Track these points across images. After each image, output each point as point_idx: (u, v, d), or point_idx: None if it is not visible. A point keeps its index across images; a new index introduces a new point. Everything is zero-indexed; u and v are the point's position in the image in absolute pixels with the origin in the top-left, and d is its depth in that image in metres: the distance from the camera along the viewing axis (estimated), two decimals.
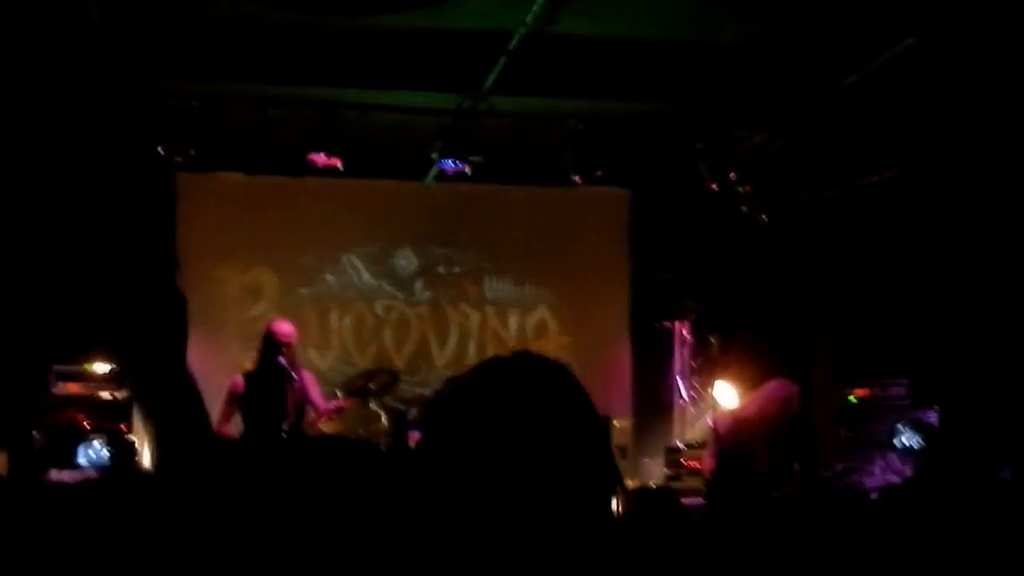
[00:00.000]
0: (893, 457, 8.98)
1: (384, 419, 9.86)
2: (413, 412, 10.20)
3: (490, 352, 11.23)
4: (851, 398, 9.93)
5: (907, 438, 9.26)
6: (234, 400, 8.71)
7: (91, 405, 9.73)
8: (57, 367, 9.93)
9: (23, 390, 9.64)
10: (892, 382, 9.88)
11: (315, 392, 8.89)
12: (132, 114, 9.83)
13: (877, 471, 8.67)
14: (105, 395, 9.95)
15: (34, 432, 9.23)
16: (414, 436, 8.62)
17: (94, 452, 9.09)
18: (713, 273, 11.34)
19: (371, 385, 9.99)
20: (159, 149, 10.35)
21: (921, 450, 9.03)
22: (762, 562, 3.07)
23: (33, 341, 9.96)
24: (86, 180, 10.15)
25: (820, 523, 4.47)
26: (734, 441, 8.04)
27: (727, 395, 9.88)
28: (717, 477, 7.74)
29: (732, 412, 8.59)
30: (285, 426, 8.57)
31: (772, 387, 8.11)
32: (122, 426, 9.86)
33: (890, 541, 4.33)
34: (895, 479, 8.44)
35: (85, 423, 9.55)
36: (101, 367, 10.12)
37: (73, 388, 9.87)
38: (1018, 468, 5.92)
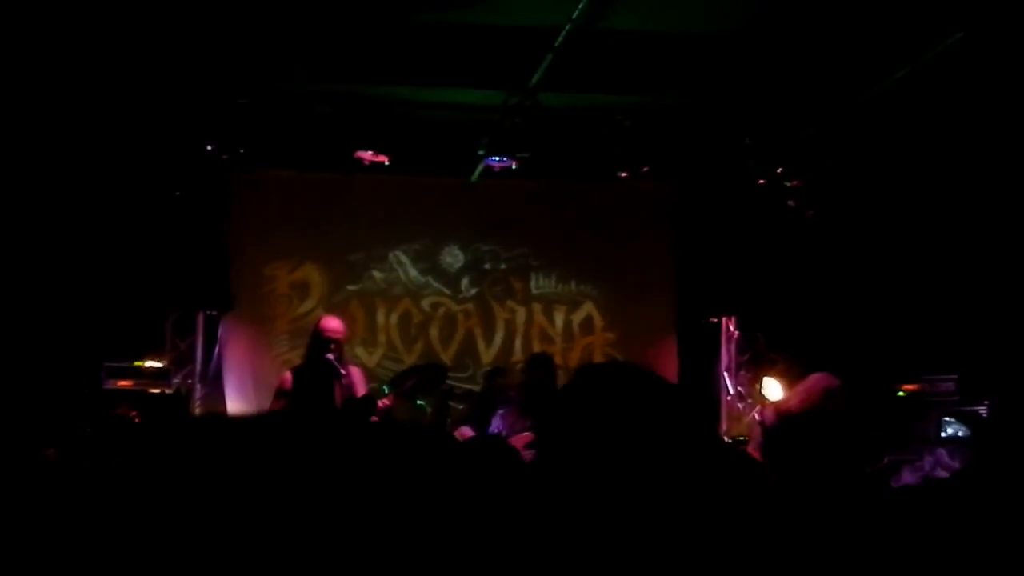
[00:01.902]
0: (942, 452, 8.91)
1: (429, 411, 9.90)
2: (460, 406, 10.26)
3: (536, 348, 11.25)
4: (900, 393, 9.87)
5: (954, 428, 9.20)
6: (282, 395, 8.76)
7: (142, 401, 9.83)
8: (108, 363, 10.03)
9: (74, 386, 9.74)
10: (941, 378, 9.81)
11: (363, 388, 8.93)
12: (183, 112, 9.91)
13: (926, 466, 8.61)
14: (155, 391, 10.05)
15: (85, 427, 9.32)
16: (464, 432, 8.63)
17: None
18: (760, 268, 11.29)
19: (418, 381, 10.02)
20: (208, 147, 10.43)
21: (969, 441, 8.96)
22: (805, 556, 3.06)
23: (84, 338, 10.07)
24: (139, 178, 10.27)
25: (859, 517, 4.46)
26: (778, 434, 8.00)
27: (774, 390, 9.85)
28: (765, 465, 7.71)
29: (775, 405, 8.56)
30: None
31: (813, 380, 8.06)
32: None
33: (933, 535, 4.32)
34: (944, 474, 8.38)
35: (136, 419, 9.63)
36: (152, 363, 10.23)
37: (124, 384, 9.97)
38: None
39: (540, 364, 9.63)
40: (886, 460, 8.21)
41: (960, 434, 9.13)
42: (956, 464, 8.64)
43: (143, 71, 9.10)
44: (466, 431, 8.74)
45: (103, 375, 9.93)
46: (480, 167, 10.84)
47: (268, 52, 8.84)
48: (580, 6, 7.51)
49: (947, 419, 9.27)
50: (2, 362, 9.48)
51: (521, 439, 7.89)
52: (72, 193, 10.16)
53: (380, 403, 8.94)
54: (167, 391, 10.10)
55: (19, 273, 9.95)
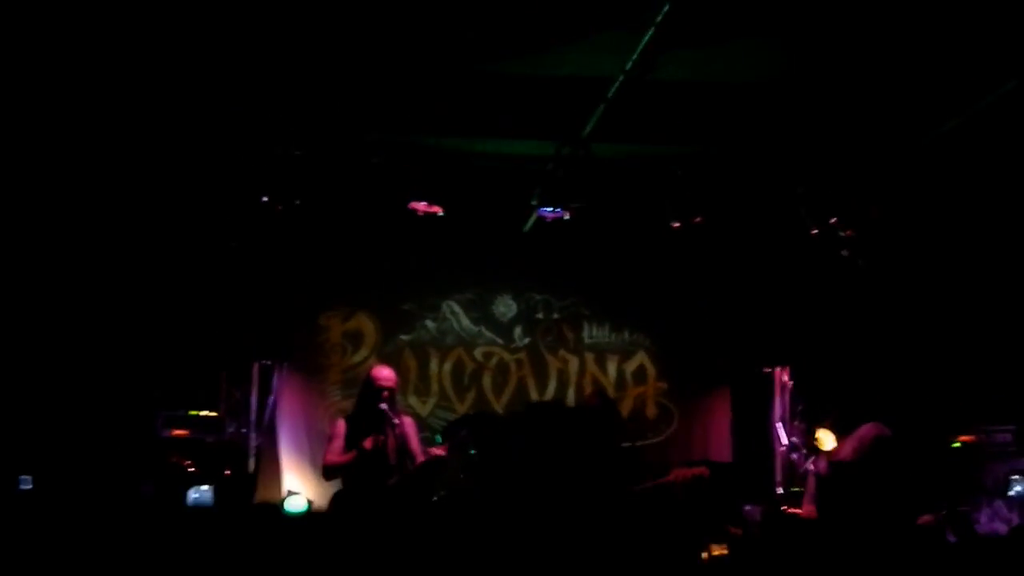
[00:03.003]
0: (1000, 504, 8.82)
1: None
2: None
3: None
4: (955, 444, 9.77)
5: (1022, 487, 9.10)
6: (335, 441, 8.77)
7: (196, 449, 9.89)
8: (164, 412, 10.11)
9: (131, 436, 9.82)
10: (998, 428, 9.71)
11: (415, 438, 8.93)
12: (238, 164, 10.03)
13: (983, 518, 8.52)
14: (210, 439, 10.10)
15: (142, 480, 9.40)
16: None
17: (200, 494, 9.23)
18: (815, 318, 11.23)
19: (471, 431, 10.01)
20: (263, 198, 10.53)
21: None
22: None
23: (142, 387, 10.16)
24: (196, 229, 10.39)
25: (920, 569, 4.43)
26: (831, 484, 7.95)
27: (828, 441, 9.76)
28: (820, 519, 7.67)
29: (828, 456, 8.49)
30: (388, 470, 8.61)
31: (865, 430, 8.01)
32: (226, 471, 10.01)
33: None
34: (1002, 527, 8.29)
35: (191, 467, 9.70)
36: (206, 412, 10.30)
37: (179, 433, 10.03)
38: None
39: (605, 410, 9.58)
40: (944, 512, 8.13)
41: None
42: (1015, 516, 8.54)
43: (201, 124, 9.23)
44: None
45: (159, 424, 10.00)
46: (533, 217, 10.86)
47: (323, 104, 8.93)
48: (632, 57, 7.55)
49: (1015, 477, 9.17)
50: (63, 408, 9.59)
51: None
52: (130, 244, 10.29)
53: (433, 453, 8.93)
54: (221, 440, 10.16)
55: (79, 322, 10.08)
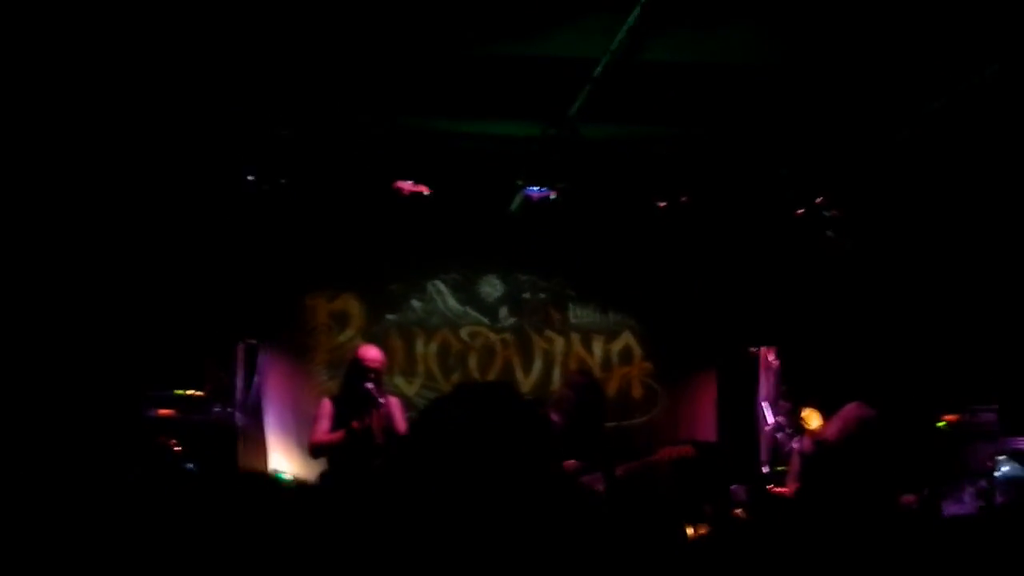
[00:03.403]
0: (984, 485, 8.87)
1: None
2: None
3: None
4: (940, 424, 9.82)
5: (1009, 467, 9.15)
6: (322, 422, 8.79)
7: (183, 429, 9.88)
8: (150, 392, 10.10)
9: (117, 414, 9.81)
10: (982, 409, 9.75)
11: (401, 418, 8.95)
12: (225, 144, 10.01)
13: (967, 499, 8.57)
14: (196, 419, 10.10)
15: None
16: None
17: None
18: (800, 298, 11.26)
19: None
20: (249, 177, 10.52)
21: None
22: None
23: (127, 366, 10.15)
24: (181, 209, 10.37)
25: (903, 548, 4.45)
26: (816, 463, 7.99)
27: (813, 420, 9.80)
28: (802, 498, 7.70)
29: (812, 436, 8.53)
30: (374, 451, 8.63)
31: (849, 409, 8.06)
32: (211, 451, 10.02)
33: (976, 567, 4.30)
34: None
35: (176, 447, 9.69)
36: (192, 392, 10.29)
37: (165, 413, 10.03)
38: None
39: (591, 389, 9.59)
40: (926, 491, 8.17)
41: (1015, 472, 9.08)
42: (999, 498, 8.59)
43: (187, 104, 9.20)
44: None
45: (145, 403, 10.00)
46: (519, 198, 10.87)
47: (309, 84, 8.92)
48: (618, 38, 7.55)
49: (1000, 457, 9.21)
50: (48, 388, 9.57)
51: (568, 466, 7.90)
52: (116, 224, 10.27)
53: None
54: (208, 421, 10.16)
55: (64, 301, 10.06)
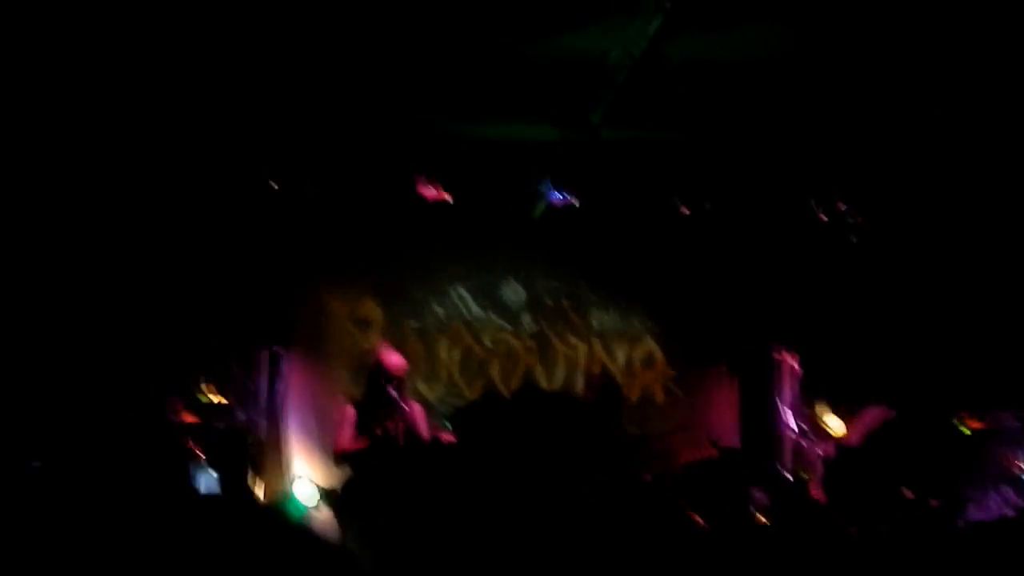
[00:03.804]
0: (1009, 490, 8.82)
1: None
2: None
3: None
4: (964, 429, 9.77)
5: None
6: (345, 429, 8.80)
7: (206, 435, 9.90)
8: (173, 398, 10.12)
9: (140, 420, 9.84)
10: (1007, 413, 9.70)
11: (423, 425, 8.95)
12: (249, 149, 10.04)
13: (992, 504, 8.52)
14: (219, 425, 10.12)
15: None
16: None
17: (208, 481, 9.25)
18: (823, 303, 11.22)
19: (479, 417, 10.02)
20: (272, 184, 10.53)
21: None
22: None
23: (150, 371, 10.18)
24: (204, 214, 10.40)
25: (927, 553, 4.43)
26: (838, 468, 7.97)
27: (836, 426, 9.78)
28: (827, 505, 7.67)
29: (835, 441, 8.52)
30: (397, 457, 8.62)
31: (872, 414, 8.05)
32: (234, 457, 10.03)
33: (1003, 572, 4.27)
34: (1010, 512, 8.28)
35: (199, 452, 9.71)
36: (215, 398, 10.31)
37: (188, 418, 10.05)
38: None
39: (611, 393, 9.56)
40: (951, 495, 8.13)
41: None
42: (1021, 502, 8.55)
43: (208, 106, 9.23)
44: None
45: (167, 409, 10.02)
46: (542, 202, 10.86)
47: (331, 88, 8.93)
48: (641, 41, 7.54)
49: None
50: (73, 393, 9.61)
51: None
52: (140, 229, 10.30)
53: (443, 438, 8.94)
54: (231, 426, 10.18)
55: (89, 307, 10.10)
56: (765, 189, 10.91)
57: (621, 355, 12.03)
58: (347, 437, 8.73)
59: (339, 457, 8.86)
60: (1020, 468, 9.26)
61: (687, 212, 10.93)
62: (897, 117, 9.12)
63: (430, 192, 10.50)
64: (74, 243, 10.08)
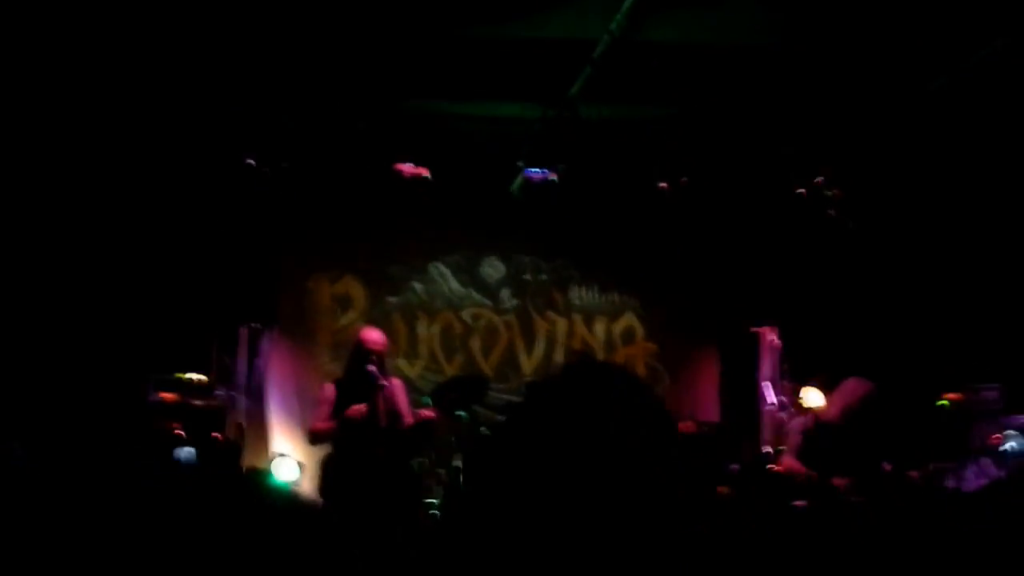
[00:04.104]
0: (987, 461, 8.88)
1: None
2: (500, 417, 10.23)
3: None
4: (943, 402, 9.83)
5: (1017, 442, 9.18)
6: (324, 407, 8.80)
7: (185, 413, 9.90)
8: (153, 376, 10.11)
9: (119, 399, 9.83)
10: (985, 387, 9.76)
11: (404, 401, 8.96)
12: (226, 128, 10.01)
13: (970, 475, 8.58)
14: (199, 403, 10.11)
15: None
16: None
17: (188, 457, 9.25)
18: (802, 277, 11.26)
19: (459, 393, 10.06)
20: (249, 161, 10.50)
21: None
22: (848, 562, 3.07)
23: (131, 350, 10.16)
24: (184, 193, 10.36)
25: (906, 524, 4.45)
26: (818, 439, 8.02)
27: (815, 399, 9.81)
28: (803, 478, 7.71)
29: (815, 414, 8.55)
30: (377, 434, 8.64)
31: (850, 385, 8.08)
32: (215, 435, 10.03)
33: (982, 542, 4.30)
34: (987, 483, 8.32)
35: (179, 431, 9.71)
36: (196, 376, 10.30)
37: (168, 396, 10.04)
38: None
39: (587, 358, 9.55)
40: (931, 467, 8.20)
41: (1019, 448, 9.11)
42: (1000, 473, 8.60)
43: (188, 89, 9.20)
44: None
45: (148, 387, 10.01)
46: (520, 179, 10.86)
47: (309, 67, 8.91)
48: (618, 18, 7.54)
49: (1010, 432, 9.23)
50: (53, 371, 9.59)
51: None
52: (118, 207, 10.27)
53: (423, 415, 8.96)
54: (211, 404, 10.18)
55: (67, 285, 10.07)
56: (744, 164, 10.92)
57: (601, 330, 12.06)
58: (323, 417, 8.74)
59: (313, 438, 8.87)
60: (998, 440, 9.33)
61: (666, 188, 10.93)
62: (876, 92, 9.13)
63: (407, 169, 10.48)
64: (53, 223, 10.03)
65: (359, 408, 8.54)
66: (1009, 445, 9.22)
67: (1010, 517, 4.32)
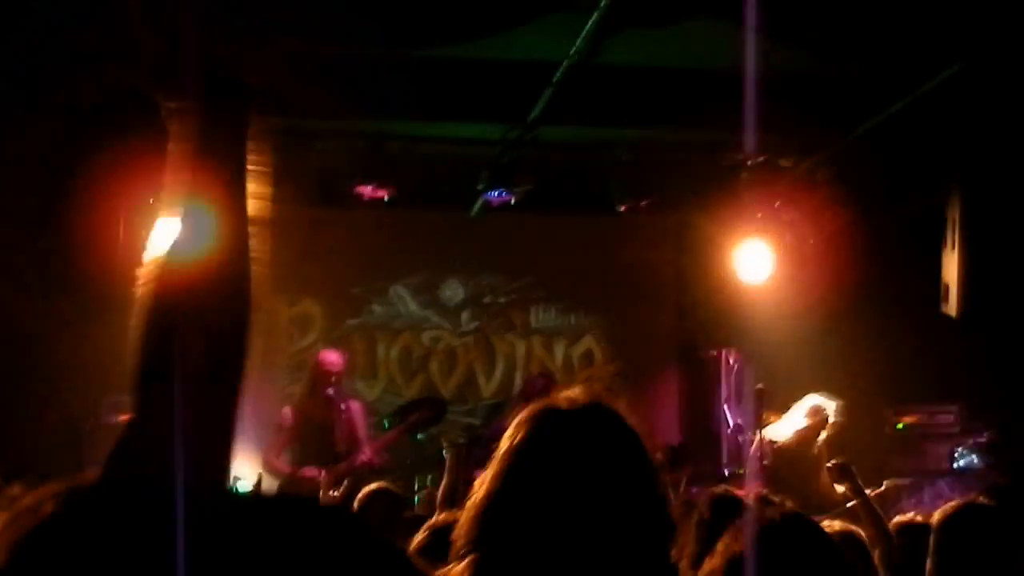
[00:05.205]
0: (942, 484, 8.93)
1: (446, 454, 9.89)
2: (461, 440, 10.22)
3: None
4: (899, 425, 9.88)
5: (966, 461, 9.25)
6: (283, 431, 8.77)
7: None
8: (108, 398, 10.02)
9: (76, 421, 9.73)
10: (941, 409, 9.81)
11: (362, 424, 8.93)
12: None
13: (926, 498, 8.62)
14: None
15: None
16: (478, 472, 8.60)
17: None
18: (760, 300, 11.29)
19: (418, 416, 10.02)
20: None
21: (979, 473, 9.00)
22: None
23: (86, 372, 10.06)
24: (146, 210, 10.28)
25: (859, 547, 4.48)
26: (778, 464, 8.04)
27: (773, 422, 9.83)
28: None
29: (772, 436, 8.59)
30: (335, 456, 8.61)
31: (807, 404, 8.14)
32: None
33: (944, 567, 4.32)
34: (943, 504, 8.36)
35: None
36: None
37: (125, 419, 9.93)
38: None
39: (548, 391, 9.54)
40: (884, 486, 8.23)
41: (972, 465, 9.17)
42: (956, 496, 8.64)
43: (147, 111, 9.13)
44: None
45: (103, 410, 9.91)
46: (479, 201, 10.86)
47: (267, 88, 8.87)
48: (578, 42, 7.56)
49: (961, 449, 9.29)
50: (4, 395, 9.49)
51: None
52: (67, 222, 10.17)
53: (381, 442, 8.91)
54: None
55: (18, 305, 9.96)
56: (702, 188, 10.95)
57: (560, 353, 12.08)
58: (278, 449, 8.70)
59: (268, 469, 8.83)
60: (953, 461, 9.38)
61: (626, 210, 10.95)
62: (832, 118, 9.20)
63: (367, 191, 10.45)
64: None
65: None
66: (962, 463, 9.28)
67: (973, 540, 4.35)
